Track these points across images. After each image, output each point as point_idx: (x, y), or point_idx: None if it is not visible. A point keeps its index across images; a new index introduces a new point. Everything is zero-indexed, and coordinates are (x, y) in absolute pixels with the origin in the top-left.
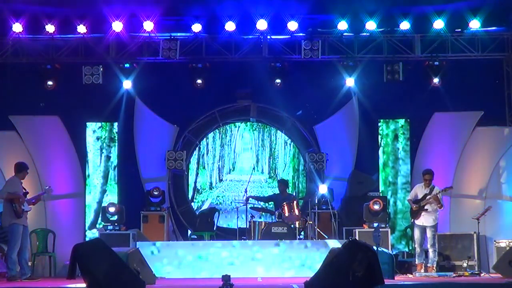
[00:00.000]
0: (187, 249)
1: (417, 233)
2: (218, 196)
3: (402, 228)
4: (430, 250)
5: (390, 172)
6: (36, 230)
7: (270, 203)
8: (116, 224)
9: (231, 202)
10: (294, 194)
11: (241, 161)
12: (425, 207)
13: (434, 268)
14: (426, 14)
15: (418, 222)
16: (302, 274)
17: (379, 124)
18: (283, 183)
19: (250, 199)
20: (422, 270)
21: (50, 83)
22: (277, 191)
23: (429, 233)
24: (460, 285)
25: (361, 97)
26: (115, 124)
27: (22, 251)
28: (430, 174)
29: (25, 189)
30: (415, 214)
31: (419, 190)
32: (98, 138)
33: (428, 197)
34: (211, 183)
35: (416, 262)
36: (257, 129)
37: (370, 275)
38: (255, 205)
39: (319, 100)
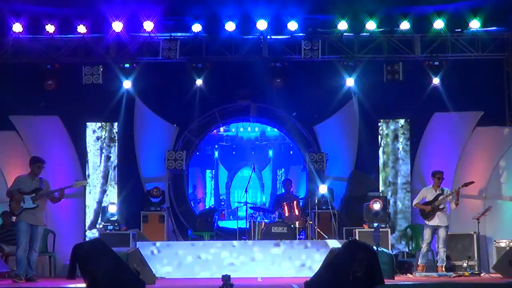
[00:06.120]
0: (187, 249)
1: (428, 233)
2: None
3: (402, 228)
4: (442, 251)
5: (390, 172)
6: None
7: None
8: (116, 224)
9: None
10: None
11: None
12: (441, 206)
13: (444, 268)
14: (426, 14)
15: (432, 222)
16: (302, 274)
17: (379, 124)
18: (289, 183)
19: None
20: (423, 271)
21: (50, 83)
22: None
23: (443, 233)
24: (460, 285)
25: (361, 97)
26: (115, 124)
27: (28, 250)
28: (442, 173)
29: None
30: (429, 215)
31: (429, 192)
32: (98, 138)
33: (441, 197)
34: None
35: (419, 263)
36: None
37: (370, 275)
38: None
39: (319, 100)
